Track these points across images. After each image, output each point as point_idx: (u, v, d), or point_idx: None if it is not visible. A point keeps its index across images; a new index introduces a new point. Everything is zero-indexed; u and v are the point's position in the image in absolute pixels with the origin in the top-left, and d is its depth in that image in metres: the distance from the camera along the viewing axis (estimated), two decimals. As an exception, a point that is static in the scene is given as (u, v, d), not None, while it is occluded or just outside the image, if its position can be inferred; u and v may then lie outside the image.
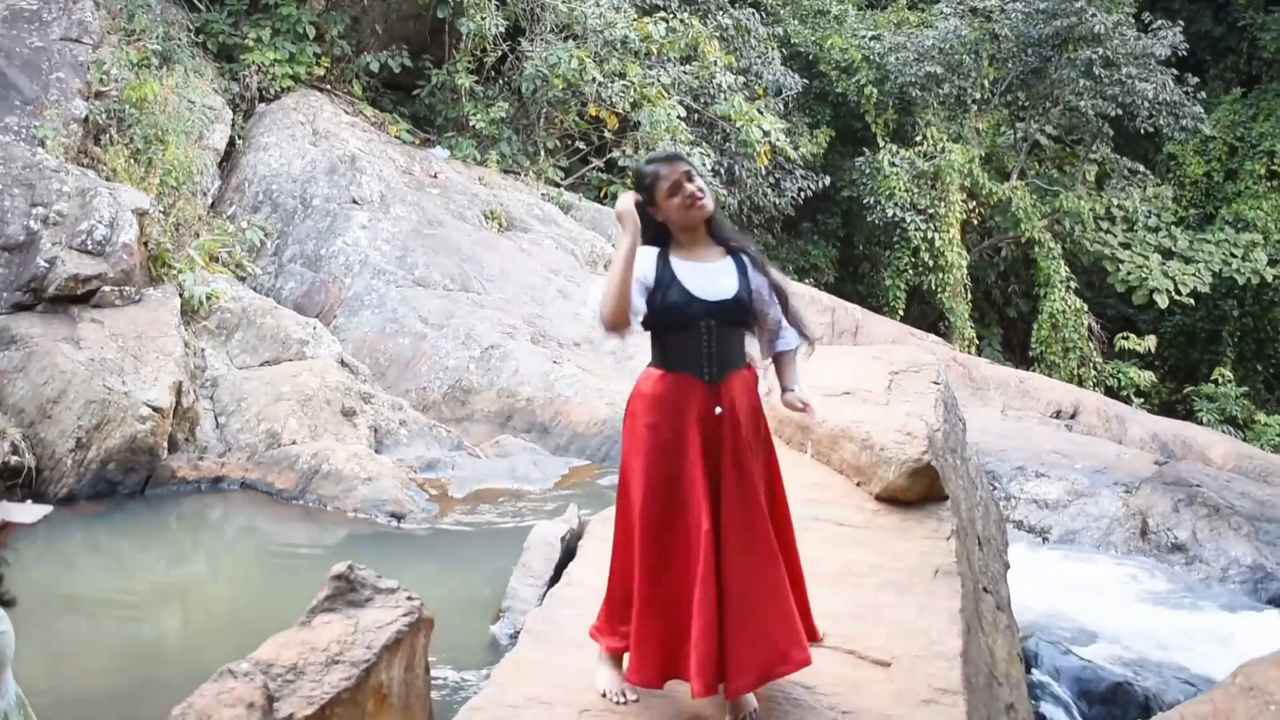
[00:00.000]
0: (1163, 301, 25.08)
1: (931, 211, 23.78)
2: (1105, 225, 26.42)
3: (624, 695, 4.67)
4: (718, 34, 22.06)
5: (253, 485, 11.67)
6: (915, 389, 7.80)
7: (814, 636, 4.90)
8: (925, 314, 24.66)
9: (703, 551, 4.49)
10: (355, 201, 15.94)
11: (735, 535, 4.54)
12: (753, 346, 4.84)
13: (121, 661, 8.01)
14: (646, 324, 4.64)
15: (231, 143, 16.57)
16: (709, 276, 4.61)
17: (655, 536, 4.60)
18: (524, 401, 13.66)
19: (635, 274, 4.56)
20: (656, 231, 4.68)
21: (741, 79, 21.72)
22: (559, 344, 14.65)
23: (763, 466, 4.72)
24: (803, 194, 23.11)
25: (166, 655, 8.20)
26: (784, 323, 4.81)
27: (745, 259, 4.72)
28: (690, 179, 4.60)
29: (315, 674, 4.16)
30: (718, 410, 4.54)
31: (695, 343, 4.56)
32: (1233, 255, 26.11)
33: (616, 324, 4.54)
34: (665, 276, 4.59)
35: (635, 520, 4.65)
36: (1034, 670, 8.31)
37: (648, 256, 4.65)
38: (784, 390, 4.91)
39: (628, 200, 4.60)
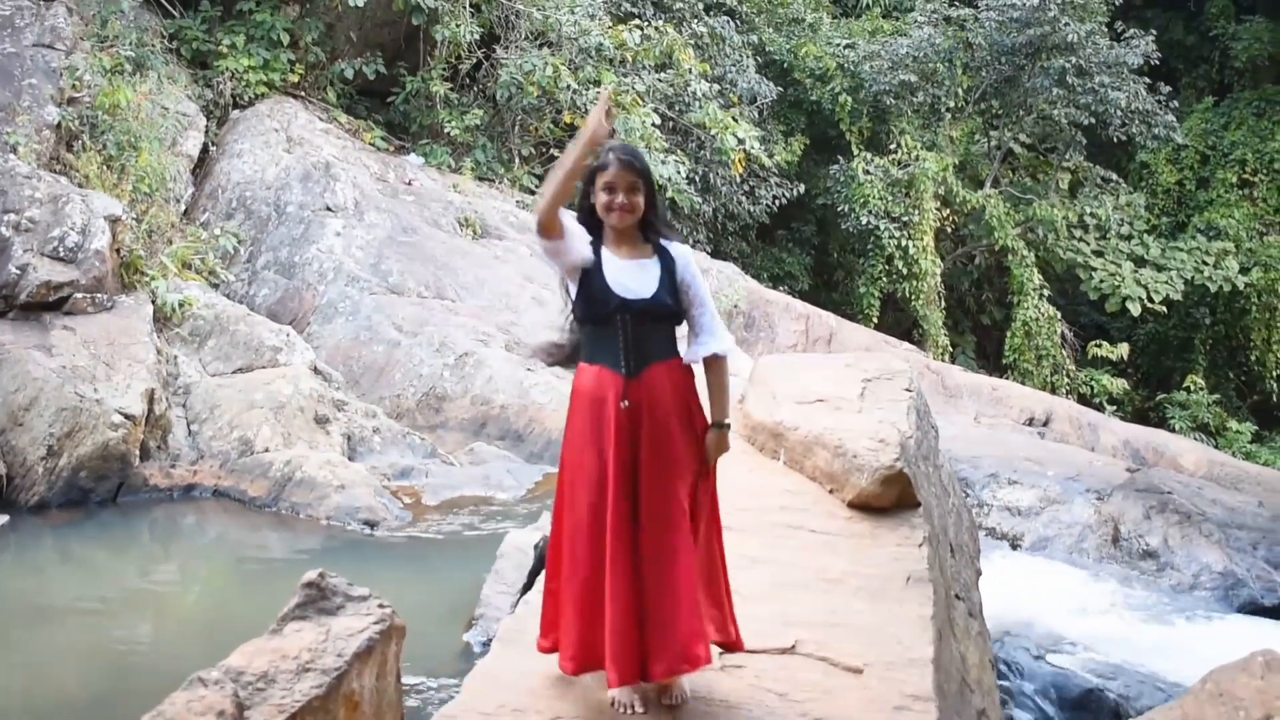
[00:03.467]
0: (1135, 309, 25.23)
1: (905, 219, 23.86)
2: (1078, 233, 26.57)
3: (631, 706, 4.63)
4: (692, 42, 22.07)
5: (225, 493, 11.64)
6: (888, 396, 7.81)
7: (735, 643, 4.88)
8: (899, 321, 24.74)
9: (613, 542, 4.57)
10: (329, 208, 15.91)
11: (650, 528, 4.61)
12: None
13: (92, 669, 7.98)
14: (576, 315, 4.79)
15: (205, 149, 16.51)
16: (630, 274, 4.70)
17: (572, 527, 4.72)
18: (498, 409, 13.65)
19: (574, 221, 4.72)
20: (590, 213, 4.78)
21: (716, 87, 21.75)
22: (533, 351, 14.64)
23: (688, 460, 4.73)
24: (777, 202, 23.18)
25: (137, 663, 8.16)
26: (700, 328, 4.82)
27: (672, 258, 4.76)
28: (630, 190, 4.67)
29: (286, 682, 4.15)
30: (624, 404, 4.61)
31: (612, 336, 4.66)
32: (1205, 263, 26.28)
33: (548, 221, 4.61)
34: (594, 262, 4.71)
35: (558, 510, 4.80)
36: (1006, 677, 8.33)
37: (582, 237, 4.76)
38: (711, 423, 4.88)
39: (602, 103, 4.62)
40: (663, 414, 4.67)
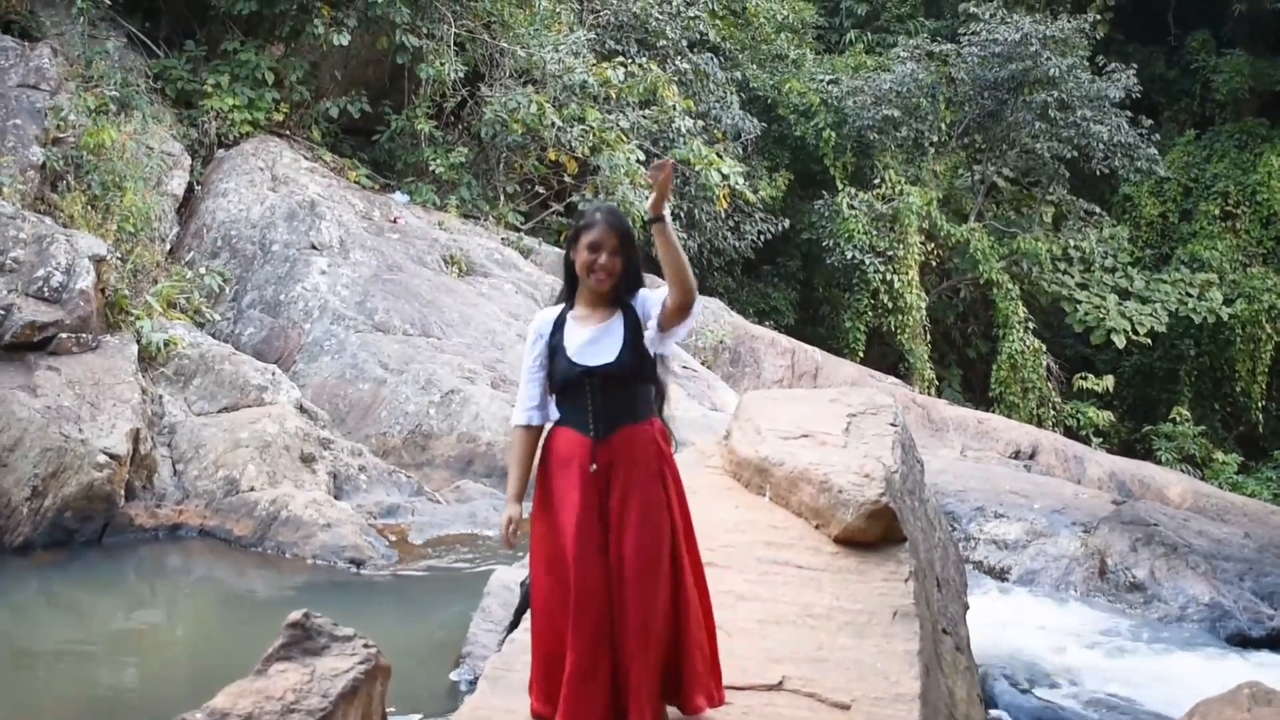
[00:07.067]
0: (1120, 341, 25.30)
1: (890, 254, 23.94)
2: (1062, 266, 26.67)
3: None
4: (676, 79, 22.18)
5: (211, 533, 11.58)
6: (873, 431, 7.82)
7: (715, 698, 4.87)
8: (885, 355, 24.78)
9: (576, 602, 4.58)
10: (314, 247, 15.91)
11: (623, 590, 4.62)
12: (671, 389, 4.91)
13: (77, 711, 7.93)
14: (549, 383, 4.86)
15: (190, 189, 16.50)
16: (594, 342, 4.74)
17: (543, 588, 4.74)
18: (484, 446, 13.63)
19: (535, 331, 4.90)
20: (570, 272, 4.84)
21: (700, 123, 21.84)
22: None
23: (662, 521, 4.72)
24: (762, 237, 23.27)
25: (122, 705, 8.12)
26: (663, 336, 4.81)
27: (634, 311, 4.79)
28: (613, 252, 4.71)
29: (271, 723, 4.14)
30: (593, 468, 4.64)
31: (580, 402, 4.72)
32: (1189, 295, 26.40)
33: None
34: (556, 342, 4.79)
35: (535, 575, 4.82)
36: (994, 711, 8.31)
37: (549, 317, 4.89)
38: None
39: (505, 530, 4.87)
40: (633, 476, 4.69)
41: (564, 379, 4.74)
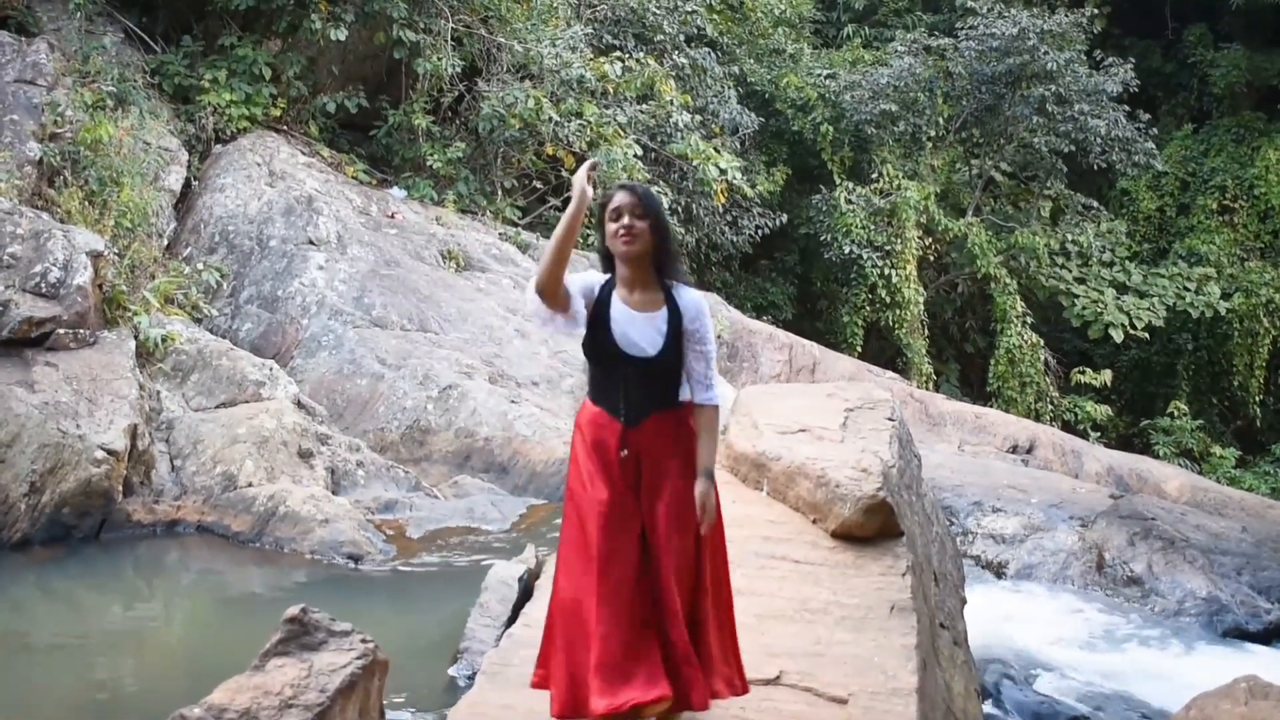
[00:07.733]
0: (1118, 336, 25.31)
1: (888, 248, 23.94)
2: (1060, 260, 26.67)
3: None
4: (674, 73, 22.19)
5: (209, 528, 11.57)
6: (870, 426, 7.83)
7: (740, 687, 4.91)
8: (883, 350, 24.79)
9: (600, 580, 4.58)
10: (312, 242, 15.89)
11: (658, 571, 4.64)
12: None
13: (76, 707, 7.93)
14: (585, 352, 4.83)
15: (187, 184, 16.46)
16: (637, 328, 4.72)
17: (568, 566, 4.75)
18: (482, 441, 13.62)
19: (582, 282, 4.75)
20: (605, 254, 4.84)
21: (698, 118, 21.85)
22: (517, 384, 14.63)
23: (687, 507, 4.74)
24: (760, 232, 23.25)
25: (120, 701, 8.11)
26: (693, 375, 4.83)
27: (679, 311, 4.78)
28: (636, 214, 4.69)
29: (268, 718, 4.14)
30: (623, 453, 4.67)
31: (614, 385, 4.73)
32: (1186, 289, 26.40)
33: (546, 289, 4.63)
34: (601, 311, 4.74)
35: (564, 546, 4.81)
36: (992, 705, 8.32)
37: (594, 278, 4.82)
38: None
39: (582, 170, 4.70)
40: (662, 463, 4.72)
41: (601, 357, 4.75)
